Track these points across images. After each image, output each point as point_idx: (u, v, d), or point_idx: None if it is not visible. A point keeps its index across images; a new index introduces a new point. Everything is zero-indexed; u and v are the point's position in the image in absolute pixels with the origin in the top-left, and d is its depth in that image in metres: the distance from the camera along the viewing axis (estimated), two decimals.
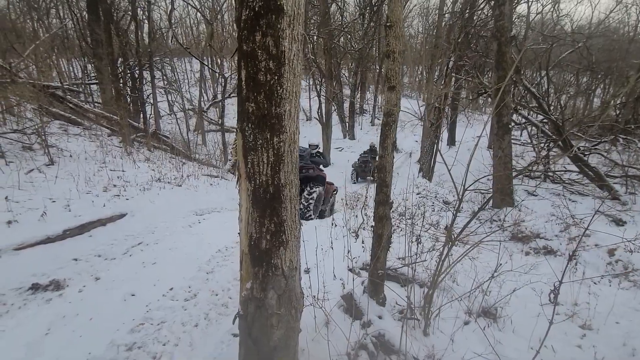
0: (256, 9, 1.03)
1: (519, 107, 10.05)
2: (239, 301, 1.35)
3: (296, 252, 1.33)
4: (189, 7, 20.49)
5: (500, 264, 2.52)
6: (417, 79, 30.35)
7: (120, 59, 11.62)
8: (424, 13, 26.46)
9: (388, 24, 2.03)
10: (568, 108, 14.84)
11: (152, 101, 13.92)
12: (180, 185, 5.25)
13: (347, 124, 17.76)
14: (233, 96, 16.82)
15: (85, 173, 4.51)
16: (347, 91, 19.13)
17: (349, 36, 12.66)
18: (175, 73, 17.81)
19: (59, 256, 2.64)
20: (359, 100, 20.00)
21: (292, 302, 1.34)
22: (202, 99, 17.02)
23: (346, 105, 18.08)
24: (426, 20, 27.61)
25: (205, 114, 17.97)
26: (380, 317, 2.19)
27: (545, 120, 9.68)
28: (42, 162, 4.67)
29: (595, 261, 4.54)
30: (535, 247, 5.43)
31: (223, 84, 11.14)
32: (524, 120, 10.38)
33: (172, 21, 10.21)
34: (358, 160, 11.84)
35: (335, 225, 3.75)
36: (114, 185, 4.42)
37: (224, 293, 2.61)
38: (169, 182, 5.17)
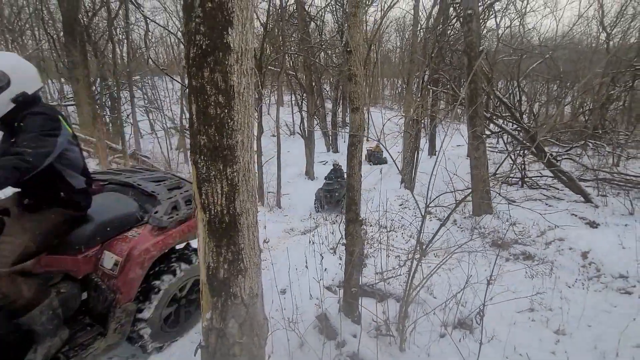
0: (203, 47, 1.07)
1: (494, 116, 10.44)
2: (201, 331, 1.34)
3: (256, 279, 1.34)
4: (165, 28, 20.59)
5: (471, 275, 2.57)
6: (396, 92, 31.18)
7: (98, 80, 11.52)
8: (400, 28, 27.40)
9: (348, 49, 2.11)
10: (541, 115, 15.50)
11: (132, 121, 13.78)
12: None
13: (330, 137, 17.97)
14: None
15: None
16: (329, 105, 19.43)
17: (329, 52, 12.97)
18: (156, 92, 17.71)
19: None
20: (340, 113, 20.32)
21: (254, 330, 1.33)
22: (183, 117, 16.95)
23: (329, 119, 18.34)
24: (403, 35, 28.61)
25: (187, 131, 17.89)
26: (354, 336, 2.19)
27: (518, 129, 10.08)
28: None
29: (569, 265, 4.68)
30: (515, 254, 5.57)
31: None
32: (498, 129, 10.76)
33: (152, 41, 10.30)
34: (322, 187, 9.98)
35: (313, 243, 3.75)
36: None
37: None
38: None
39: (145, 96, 15.63)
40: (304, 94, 13.11)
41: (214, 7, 1.05)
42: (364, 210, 6.13)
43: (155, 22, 10.35)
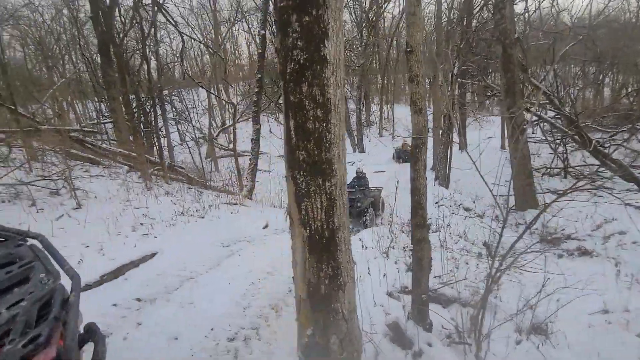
0: (301, 61, 1.05)
1: (529, 105, 9.97)
2: (298, 348, 1.33)
3: (353, 293, 1.30)
4: (192, 41, 21.27)
5: (549, 278, 2.42)
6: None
7: (132, 96, 12.05)
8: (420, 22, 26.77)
9: (409, 50, 2.05)
10: (578, 101, 14.64)
11: (164, 133, 14.31)
12: (203, 217, 5.30)
13: (355, 137, 17.84)
14: (241, 121, 17.16)
15: (112, 214, 4.60)
16: (351, 105, 19.31)
17: (351, 52, 12.89)
18: (184, 104, 18.34)
19: (99, 303, 2.67)
20: (364, 113, 20.13)
21: (353, 345, 1.30)
22: (211, 127, 17.43)
23: (352, 119, 18.22)
24: (423, 30, 27.97)
25: (216, 140, 18.36)
26: (429, 345, 2.12)
27: (557, 116, 9.54)
28: (69, 206, 4.79)
29: (636, 260, 4.33)
30: (568, 249, 5.23)
31: (233, 110, 11.39)
32: (535, 118, 10.26)
33: (182, 57, 10.63)
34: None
35: (366, 247, 3.69)
36: (141, 224, 4.49)
37: (266, 329, 2.58)
38: (192, 215, 5.23)
39: (174, 109, 16.18)
40: None
41: (311, 21, 1.03)
42: (400, 210, 6.01)
43: (194, 39, 10.67)
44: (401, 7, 18.73)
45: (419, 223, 2.15)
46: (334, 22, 1.06)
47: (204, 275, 3.34)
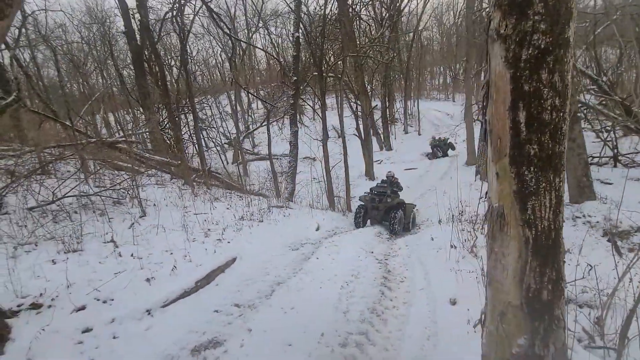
0: (542, 46, 0.96)
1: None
2: (497, 357, 1.23)
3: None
4: (212, 50, 21.62)
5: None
6: (441, 81, 29.92)
7: (168, 107, 12.31)
8: (438, 16, 26.31)
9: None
10: (618, 85, 13.92)
11: (194, 141, 14.56)
12: (262, 221, 5.31)
13: (382, 135, 17.63)
14: (264, 125, 17.27)
15: (178, 220, 4.66)
16: (374, 103, 19.09)
17: (377, 50, 12.74)
18: (212, 110, 18.66)
19: (200, 309, 2.67)
20: (388, 110, 19.88)
21: (566, 356, 1.20)
22: (238, 131, 17.64)
23: (376, 117, 18.01)
24: (441, 23, 27.47)
25: (242, 145, 18.58)
26: (570, 349, 1.97)
27: (603, 102, 9.08)
28: (135, 214, 4.89)
29: None
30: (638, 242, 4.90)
31: (266, 114, 11.45)
32: (579, 104, 9.78)
33: (233, 61, 10.85)
34: (370, 192, 7.76)
35: (455, 247, 3.57)
36: (209, 229, 4.53)
37: (376, 334, 2.50)
38: (251, 219, 5.25)
39: (205, 116, 16.48)
40: (357, 96, 12.96)
41: (559, 1, 0.93)
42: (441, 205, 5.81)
43: (255, 46, 10.75)
44: (420, 3, 18.45)
45: None
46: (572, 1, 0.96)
47: (293, 280, 3.30)
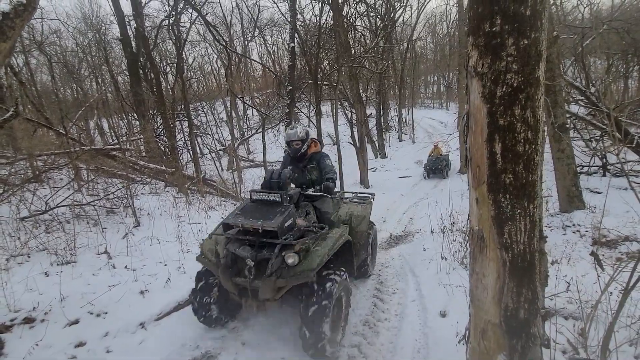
0: (515, 84, 1.04)
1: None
2: None
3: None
4: (208, 57, 21.75)
5: None
6: (435, 90, 30.35)
7: (163, 113, 12.34)
8: (431, 26, 26.80)
9: None
10: (606, 95, 14.27)
11: (188, 147, 14.56)
12: None
13: (376, 143, 17.80)
14: (259, 132, 17.36)
15: (172, 230, 4.68)
16: (369, 111, 19.33)
17: (372, 60, 12.96)
18: (207, 116, 18.69)
19: (194, 322, 2.68)
20: (382, 118, 20.11)
21: None
22: (233, 138, 17.67)
23: (371, 125, 18.21)
24: (434, 32, 27.98)
25: (237, 152, 18.62)
26: None
27: (592, 113, 9.31)
28: (129, 224, 4.90)
29: None
30: (628, 252, 5.03)
31: (261, 122, 11.53)
32: (568, 115, 10.03)
33: (229, 72, 10.93)
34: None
35: (445, 259, 3.64)
36: (203, 240, 4.54)
37: (363, 347, 2.55)
38: None
39: (199, 122, 16.51)
40: (352, 104, 13.12)
41: (529, 44, 1.02)
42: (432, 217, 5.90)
43: (251, 59, 10.79)
44: (414, 13, 18.85)
45: None
46: (545, 43, 1.05)
47: None
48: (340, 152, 9.92)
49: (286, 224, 2.35)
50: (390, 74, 20.73)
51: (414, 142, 19.23)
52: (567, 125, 7.33)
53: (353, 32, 14.11)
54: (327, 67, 10.70)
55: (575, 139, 10.78)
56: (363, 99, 15.01)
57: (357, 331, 2.74)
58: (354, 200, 3.98)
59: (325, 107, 21.52)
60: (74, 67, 17.52)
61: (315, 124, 9.85)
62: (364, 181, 14.03)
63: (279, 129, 19.30)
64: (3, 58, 1.87)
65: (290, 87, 9.14)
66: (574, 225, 6.08)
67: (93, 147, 7.75)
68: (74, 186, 5.87)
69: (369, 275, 3.85)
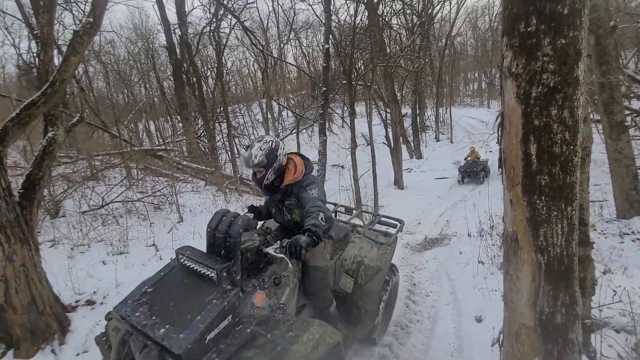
0: (551, 84, 1.03)
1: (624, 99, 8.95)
2: None
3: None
4: (246, 60, 22.52)
5: None
6: (476, 86, 29.03)
7: (204, 116, 13.03)
8: (472, 21, 25.63)
9: None
10: None
11: (227, 148, 15.21)
12: None
13: (412, 143, 17.41)
14: (294, 132, 17.70)
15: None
16: (404, 110, 18.91)
17: (408, 58, 12.70)
18: (244, 118, 19.39)
19: None
20: (418, 118, 19.62)
21: None
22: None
23: (406, 124, 17.83)
24: (475, 27, 26.75)
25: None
26: None
27: None
28: (174, 220, 5.25)
29: None
30: None
31: (295, 123, 11.79)
32: (628, 112, 9.16)
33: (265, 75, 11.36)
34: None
35: (482, 262, 3.53)
36: None
37: (394, 347, 2.55)
38: None
39: (237, 124, 17.20)
40: (387, 104, 12.96)
41: (567, 43, 1.00)
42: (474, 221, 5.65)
43: (286, 62, 11.24)
44: (454, 8, 18.14)
45: (582, 240, 1.99)
46: (585, 41, 1.02)
47: None
48: (374, 153, 9.83)
49: (210, 336, 1.39)
50: (428, 72, 20.17)
51: (452, 142, 18.55)
52: (627, 123, 6.72)
53: (388, 30, 13.92)
54: (362, 67, 10.65)
55: (636, 137, 9.82)
56: (398, 98, 14.77)
57: (389, 331, 2.75)
58: (369, 235, 2.64)
59: (360, 107, 21.42)
60: (125, 74, 19.00)
61: (349, 125, 9.84)
62: (398, 182, 13.79)
63: (312, 129, 19.55)
64: (73, 70, 2.14)
65: (325, 88, 9.24)
66: (633, 232, 5.57)
67: (142, 148, 8.38)
68: (126, 184, 6.42)
69: (377, 342, 2.61)
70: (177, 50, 11.13)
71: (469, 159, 12.40)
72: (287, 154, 2.07)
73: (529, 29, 1.02)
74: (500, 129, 1.24)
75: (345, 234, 2.46)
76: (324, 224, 1.76)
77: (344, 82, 10.11)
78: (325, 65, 9.20)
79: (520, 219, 1.16)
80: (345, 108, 18.72)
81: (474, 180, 11.84)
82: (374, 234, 2.68)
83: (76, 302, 2.81)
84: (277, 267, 1.79)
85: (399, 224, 2.97)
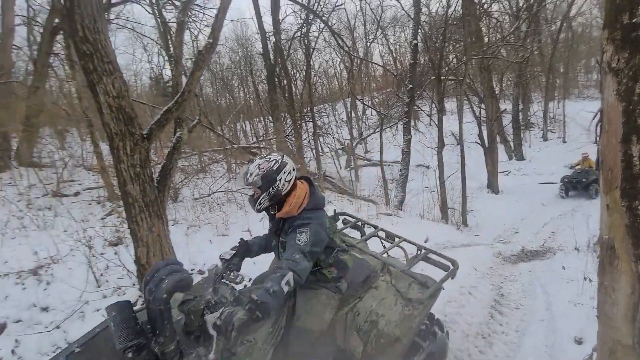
0: None
1: None
2: None
3: None
4: (332, 61, 23.17)
5: None
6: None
7: (292, 116, 14.00)
8: None
9: None
10: None
11: (312, 146, 15.99)
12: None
13: (511, 143, 15.58)
14: (377, 131, 17.57)
15: None
16: (503, 106, 16.97)
17: (510, 48, 11.39)
18: (328, 117, 20.08)
19: None
20: (520, 114, 17.39)
21: None
22: (352, 138, 18.45)
23: (505, 122, 15.98)
24: (602, 5, 22.22)
25: (354, 150, 19.37)
26: None
27: None
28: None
29: None
30: None
31: (379, 121, 11.77)
32: None
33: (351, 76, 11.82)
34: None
35: (590, 280, 3.09)
36: None
37: (474, 355, 2.46)
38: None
39: (322, 123, 17.95)
40: (482, 99, 11.88)
41: None
42: None
43: (372, 62, 11.64)
44: None
45: None
46: None
47: None
48: (463, 153, 9.19)
49: None
50: (536, 61, 17.66)
51: (564, 141, 15.97)
52: None
53: (487, 18, 12.69)
54: (454, 60, 10.01)
55: None
56: (496, 92, 13.38)
57: (469, 338, 2.64)
58: (398, 282, 1.93)
59: (450, 104, 20.03)
60: (228, 79, 21.57)
61: (437, 123, 9.39)
62: (491, 185, 12.56)
63: (397, 127, 19.13)
64: (196, 82, 2.65)
65: (411, 86, 8.99)
66: None
67: (240, 145, 9.48)
68: (228, 177, 7.39)
69: None
70: (271, 56, 12.21)
71: (577, 167, 10.43)
72: (297, 179, 1.72)
73: (634, 20, 0.95)
74: (598, 127, 1.15)
75: (367, 276, 1.87)
76: (286, 289, 1.35)
77: (433, 77, 9.66)
78: (412, 61, 8.94)
79: (618, 225, 1.06)
80: (433, 105, 17.80)
81: (582, 194, 9.85)
82: (407, 280, 1.92)
83: (191, 270, 3.45)
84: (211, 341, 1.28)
85: (451, 266, 2.13)
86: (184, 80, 2.69)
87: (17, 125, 6.16)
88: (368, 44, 21.33)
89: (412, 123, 15.41)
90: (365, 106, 18.81)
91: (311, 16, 10.70)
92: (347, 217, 2.68)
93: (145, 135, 2.39)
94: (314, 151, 15.32)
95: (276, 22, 11.38)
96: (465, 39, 8.62)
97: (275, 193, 1.64)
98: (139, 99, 8.76)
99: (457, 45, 10.64)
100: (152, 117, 6.51)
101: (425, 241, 6.03)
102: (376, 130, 15.18)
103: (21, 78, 7.77)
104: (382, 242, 2.52)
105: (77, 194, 5.35)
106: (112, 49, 2.18)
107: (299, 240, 1.52)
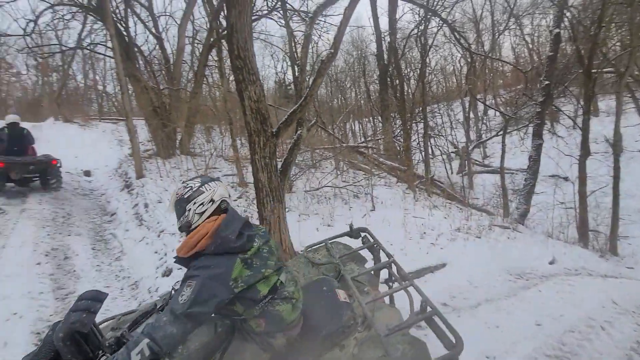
0: None
1: None
2: None
3: None
4: (451, 57, 21.55)
5: None
6: None
7: (402, 117, 13.76)
8: None
9: None
10: None
11: (421, 148, 15.33)
12: (480, 237, 5.13)
13: None
14: (500, 134, 15.56)
15: (400, 219, 5.39)
16: None
17: None
18: (442, 118, 18.92)
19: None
20: None
21: None
22: (468, 141, 16.91)
23: None
24: None
25: (470, 155, 17.63)
26: None
27: None
28: (368, 207, 6.05)
29: None
30: None
31: (503, 123, 10.47)
32: None
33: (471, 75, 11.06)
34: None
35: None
36: (424, 233, 4.97)
37: None
38: (468, 233, 5.21)
39: (434, 123, 17.01)
40: None
41: None
42: None
43: (494, 58, 10.87)
44: None
45: None
46: None
47: (503, 301, 3.17)
48: (618, 163, 7.41)
49: None
50: None
51: None
52: None
53: None
54: (611, 49, 8.08)
55: None
56: None
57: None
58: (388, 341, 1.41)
59: (605, 102, 16.20)
60: (341, 81, 22.53)
61: (581, 126, 7.80)
62: None
63: (526, 131, 16.62)
64: (318, 87, 3.00)
65: (547, 82, 7.68)
66: None
67: (348, 144, 9.89)
68: (335, 173, 7.88)
69: None
70: (385, 56, 12.23)
71: None
72: (210, 217, 1.46)
73: None
74: None
75: (333, 331, 1.45)
76: None
77: (580, 71, 8.01)
78: (552, 54, 7.62)
79: None
80: (579, 105, 14.63)
81: None
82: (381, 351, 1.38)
83: (301, 251, 3.90)
84: None
85: (453, 343, 1.48)
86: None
87: (182, 122, 8.02)
88: (497, 36, 19.04)
89: (548, 125, 13.16)
90: (486, 106, 16.89)
91: (429, 14, 10.27)
92: (368, 236, 2.34)
93: (274, 133, 2.85)
94: (422, 153, 14.71)
95: (392, 21, 11.34)
96: (631, 22, 6.87)
97: (185, 224, 1.44)
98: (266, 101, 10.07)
99: (620, 30, 8.52)
100: (276, 116, 7.45)
101: (550, 262, 5.17)
102: (498, 133, 13.55)
103: (182, 85, 9.96)
104: (387, 283, 2.08)
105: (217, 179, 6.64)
106: (256, 62, 2.69)
107: (181, 297, 1.26)
